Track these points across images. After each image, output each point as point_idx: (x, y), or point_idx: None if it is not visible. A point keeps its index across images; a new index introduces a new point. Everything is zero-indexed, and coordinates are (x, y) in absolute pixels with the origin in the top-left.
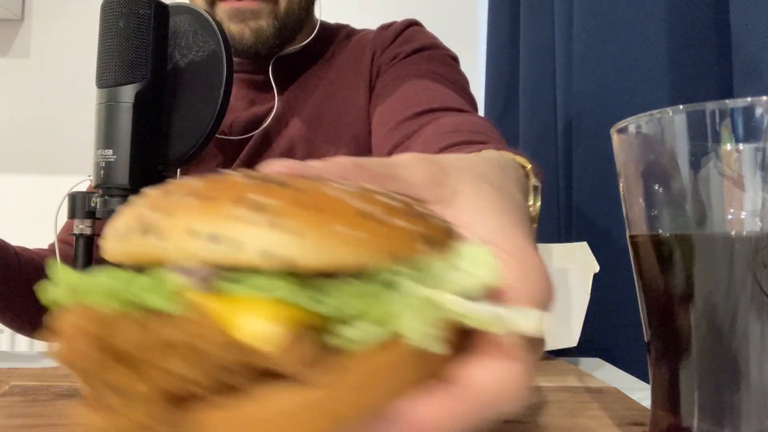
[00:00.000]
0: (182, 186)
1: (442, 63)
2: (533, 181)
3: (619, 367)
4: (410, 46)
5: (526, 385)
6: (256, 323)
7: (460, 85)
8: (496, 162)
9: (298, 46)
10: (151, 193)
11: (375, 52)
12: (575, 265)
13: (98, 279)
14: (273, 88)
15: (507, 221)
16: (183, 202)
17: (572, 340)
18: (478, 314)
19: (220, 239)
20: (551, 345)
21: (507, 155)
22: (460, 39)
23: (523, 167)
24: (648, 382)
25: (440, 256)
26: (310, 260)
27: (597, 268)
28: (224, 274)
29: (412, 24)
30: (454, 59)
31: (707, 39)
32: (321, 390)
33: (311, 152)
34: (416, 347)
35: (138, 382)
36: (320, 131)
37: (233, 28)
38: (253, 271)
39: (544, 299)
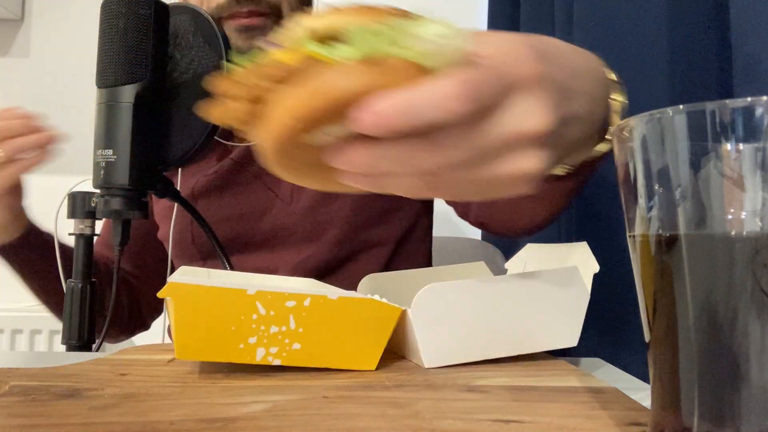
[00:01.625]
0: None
1: None
2: (611, 76)
3: (619, 367)
4: None
5: (461, 94)
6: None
7: None
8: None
9: None
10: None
11: None
12: (575, 265)
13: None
14: None
15: (509, 39)
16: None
17: (572, 340)
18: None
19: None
20: (551, 345)
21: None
22: None
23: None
24: (648, 382)
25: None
26: (326, 25)
27: (597, 268)
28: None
29: None
30: None
31: (707, 39)
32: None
33: None
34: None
35: (241, 90)
36: None
37: (241, 44)
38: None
39: (513, 62)
